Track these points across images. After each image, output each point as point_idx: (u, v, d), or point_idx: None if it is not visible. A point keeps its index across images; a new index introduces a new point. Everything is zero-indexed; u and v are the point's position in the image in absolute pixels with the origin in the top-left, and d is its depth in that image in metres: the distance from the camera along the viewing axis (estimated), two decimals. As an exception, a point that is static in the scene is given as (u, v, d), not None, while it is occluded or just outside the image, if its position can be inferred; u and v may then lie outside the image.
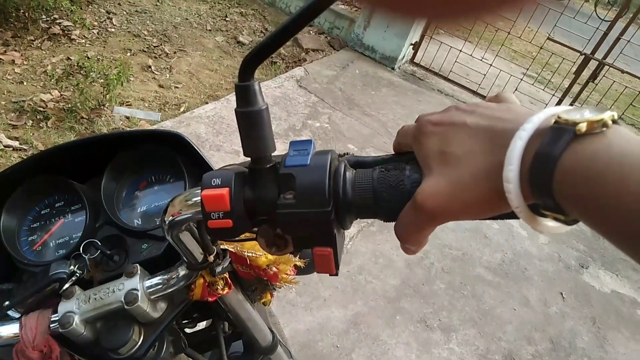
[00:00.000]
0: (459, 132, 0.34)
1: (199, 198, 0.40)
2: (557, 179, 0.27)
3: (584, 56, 4.23)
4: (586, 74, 4.35)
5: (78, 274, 0.57)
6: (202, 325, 0.84)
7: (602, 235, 0.27)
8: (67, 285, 0.56)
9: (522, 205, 0.30)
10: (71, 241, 0.65)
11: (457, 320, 2.22)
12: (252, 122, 0.38)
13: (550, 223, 0.31)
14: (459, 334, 2.15)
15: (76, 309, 0.54)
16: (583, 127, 0.27)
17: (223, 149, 2.71)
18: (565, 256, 2.90)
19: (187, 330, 0.80)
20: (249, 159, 0.41)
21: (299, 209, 0.37)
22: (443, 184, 0.32)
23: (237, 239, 0.59)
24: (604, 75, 4.31)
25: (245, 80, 0.37)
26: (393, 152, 0.44)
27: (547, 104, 4.49)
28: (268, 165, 0.39)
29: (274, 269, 0.64)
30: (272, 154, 0.41)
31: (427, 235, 0.36)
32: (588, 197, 0.26)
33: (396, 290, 2.25)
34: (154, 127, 2.72)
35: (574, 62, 4.38)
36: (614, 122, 0.27)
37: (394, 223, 0.39)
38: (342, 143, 3.17)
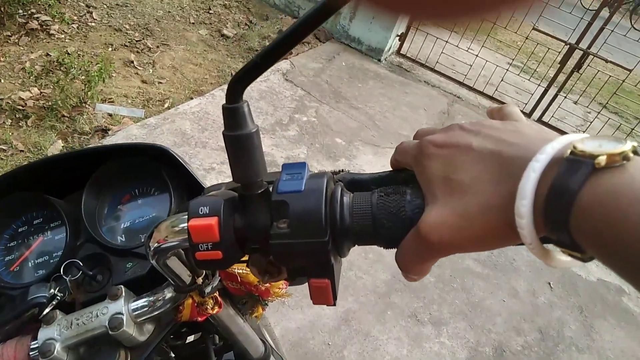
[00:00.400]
0: (465, 156, 0.32)
1: (186, 225, 0.38)
2: (575, 215, 0.25)
3: (568, 46, 4.25)
4: (571, 63, 4.37)
5: (59, 297, 0.54)
6: (191, 337, 0.82)
7: (623, 277, 0.25)
8: (47, 310, 0.53)
9: (535, 242, 0.28)
10: (51, 260, 0.62)
11: (448, 314, 2.22)
12: (241, 146, 0.36)
13: (563, 257, 0.29)
14: (450, 327, 2.16)
15: (57, 336, 0.51)
16: (603, 160, 0.25)
17: (209, 146, 2.67)
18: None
19: (176, 343, 0.78)
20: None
21: (294, 239, 0.34)
22: (449, 214, 0.30)
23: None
24: (588, 65, 4.34)
25: (233, 101, 0.35)
26: (390, 169, 0.42)
27: (532, 94, 4.51)
28: (259, 191, 0.37)
29: (266, 284, 0.62)
30: (265, 174, 0.38)
31: (431, 265, 0.34)
32: (608, 235, 0.24)
33: (386, 285, 2.25)
34: (138, 124, 2.67)
35: (559, 52, 4.40)
36: (635, 152, 0.25)
37: (393, 249, 0.37)
38: (329, 137, 3.15)
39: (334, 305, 0.38)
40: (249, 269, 0.59)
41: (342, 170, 0.43)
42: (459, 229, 0.30)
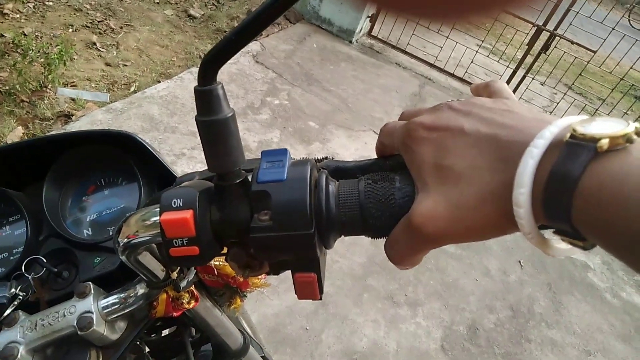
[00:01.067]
0: (457, 141, 0.29)
1: (158, 219, 0.35)
2: (576, 203, 0.23)
3: (536, 27, 4.31)
4: (538, 45, 4.43)
5: (21, 297, 0.50)
6: (165, 330, 0.79)
7: (629, 265, 0.23)
8: (8, 311, 0.49)
9: (534, 231, 0.26)
10: (11, 257, 0.57)
11: (423, 295, 2.25)
12: (216, 133, 0.32)
13: (562, 246, 0.28)
14: (425, 307, 2.19)
15: (20, 338, 0.47)
16: (605, 144, 0.23)
17: (179, 131, 2.59)
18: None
19: (150, 338, 0.75)
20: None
21: (277, 232, 0.32)
22: (443, 205, 0.28)
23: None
24: (555, 47, 4.41)
25: (206, 83, 0.31)
26: (376, 156, 0.40)
27: (501, 76, 4.57)
28: (237, 181, 0.34)
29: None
30: (242, 162, 0.35)
31: (423, 256, 0.32)
32: (612, 223, 0.22)
33: (363, 268, 2.25)
34: (103, 109, 2.56)
35: (527, 34, 4.45)
36: (638, 134, 0.23)
37: (380, 239, 0.36)
38: (302, 121, 3.11)
39: (320, 299, 0.36)
40: (225, 261, 0.56)
41: (326, 158, 0.40)
42: (454, 220, 0.28)
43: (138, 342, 0.63)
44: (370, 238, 0.36)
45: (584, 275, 2.81)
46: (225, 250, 0.38)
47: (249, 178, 0.35)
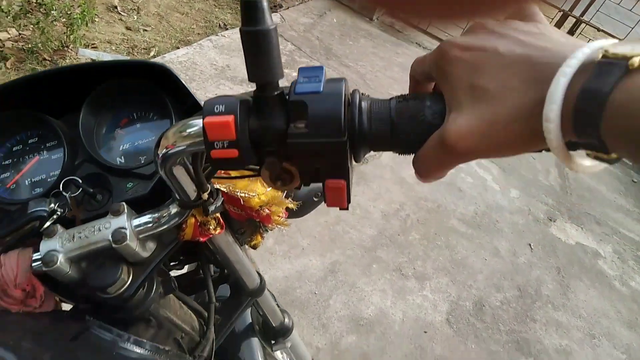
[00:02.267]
0: (492, 61, 0.31)
1: (197, 128, 0.37)
2: (606, 117, 0.25)
3: (562, 13, 4.22)
4: (563, 31, 4.35)
5: (59, 212, 0.53)
6: (184, 270, 0.82)
7: None
8: (48, 224, 0.52)
9: (561, 145, 0.28)
10: (49, 179, 0.60)
11: (431, 269, 2.28)
12: (259, 44, 0.34)
13: (585, 162, 0.29)
14: (433, 282, 2.22)
15: (60, 248, 0.50)
16: (637, 61, 0.24)
17: (197, 97, 2.61)
18: (535, 209, 3.00)
19: (173, 273, 0.78)
20: (252, 86, 0.37)
21: (312, 139, 0.34)
22: (476, 123, 0.30)
23: (232, 175, 0.56)
24: (580, 33, 4.33)
25: None
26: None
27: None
28: (275, 93, 0.36)
29: (267, 210, 0.62)
30: (282, 76, 0.37)
31: (450, 170, 0.34)
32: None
33: (373, 240, 2.28)
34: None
35: (552, 19, 4.36)
36: None
37: (408, 154, 0.37)
38: (319, 94, 3.11)
39: (347, 209, 0.38)
40: (251, 193, 0.59)
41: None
42: (486, 137, 0.30)
43: (165, 269, 0.67)
44: (398, 154, 0.37)
45: (594, 262, 2.81)
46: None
47: (286, 93, 0.37)
